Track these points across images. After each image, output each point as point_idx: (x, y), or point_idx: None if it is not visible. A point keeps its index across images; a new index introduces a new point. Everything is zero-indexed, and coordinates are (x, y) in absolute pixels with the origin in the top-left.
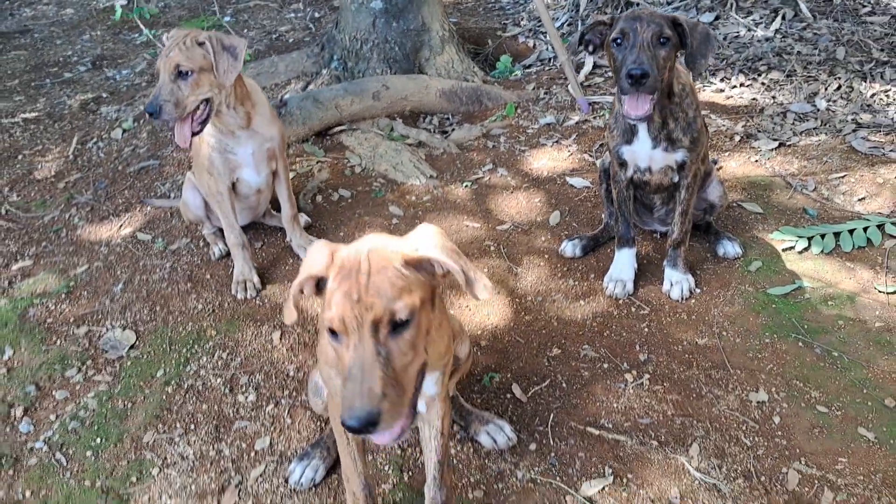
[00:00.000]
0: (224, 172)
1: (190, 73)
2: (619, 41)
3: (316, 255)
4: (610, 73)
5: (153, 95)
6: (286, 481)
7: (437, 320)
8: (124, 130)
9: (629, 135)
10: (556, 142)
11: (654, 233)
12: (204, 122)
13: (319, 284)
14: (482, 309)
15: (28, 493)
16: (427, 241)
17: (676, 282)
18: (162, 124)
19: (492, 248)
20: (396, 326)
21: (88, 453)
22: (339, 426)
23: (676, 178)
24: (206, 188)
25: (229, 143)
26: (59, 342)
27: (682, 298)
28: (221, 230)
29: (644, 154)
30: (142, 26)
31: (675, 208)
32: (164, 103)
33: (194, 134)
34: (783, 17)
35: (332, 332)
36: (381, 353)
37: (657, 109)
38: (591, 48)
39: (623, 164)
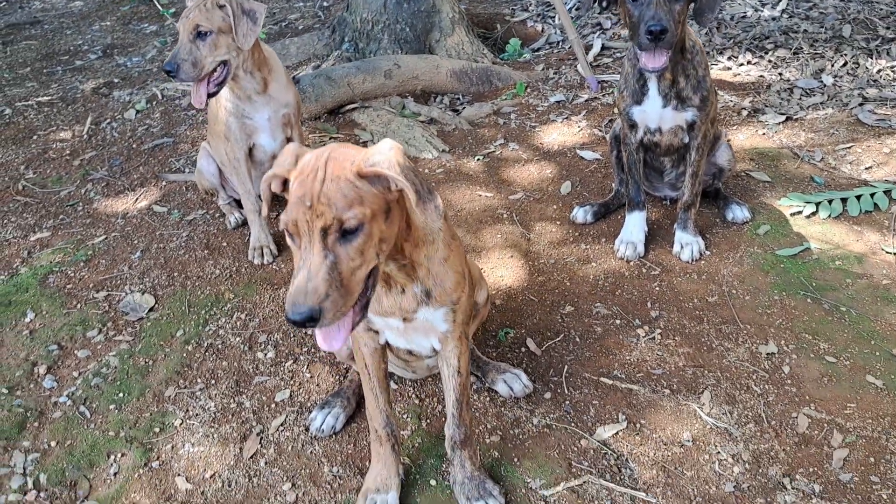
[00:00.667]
0: (241, 138)
1: (209, 33)
2: None
3: (284, 157)
4: (619, 54)
5: (172, 54)
6: (307, 429)
7: (440, 254)
8: (137, 111)
9: (639, 95)
10: (566, 118)
11: (663, 199)
12: (221, 84)
13: (287, 184)
14: (497, 271)
15: (54, 443)
16: (383, 156)
17: (687, 243)
18: (179, 83)
19: (504, 216)
20: (346, 233)
21: (112, 406)
22: (360, 362)
23: (686, 139)
24: (223, 155)
25: (246, 108)
26: (79, 306)
27: (693, 260)
28: (236, 201)
29: (654, 114)
30: (158, 5)
31: (685, 171)
32: (182, 62)
33: (210, 95)
34: None
35: (288, 233)
36: (327, 258)
37: (669, 66)
38: (605, 4)
39: (633, 126)
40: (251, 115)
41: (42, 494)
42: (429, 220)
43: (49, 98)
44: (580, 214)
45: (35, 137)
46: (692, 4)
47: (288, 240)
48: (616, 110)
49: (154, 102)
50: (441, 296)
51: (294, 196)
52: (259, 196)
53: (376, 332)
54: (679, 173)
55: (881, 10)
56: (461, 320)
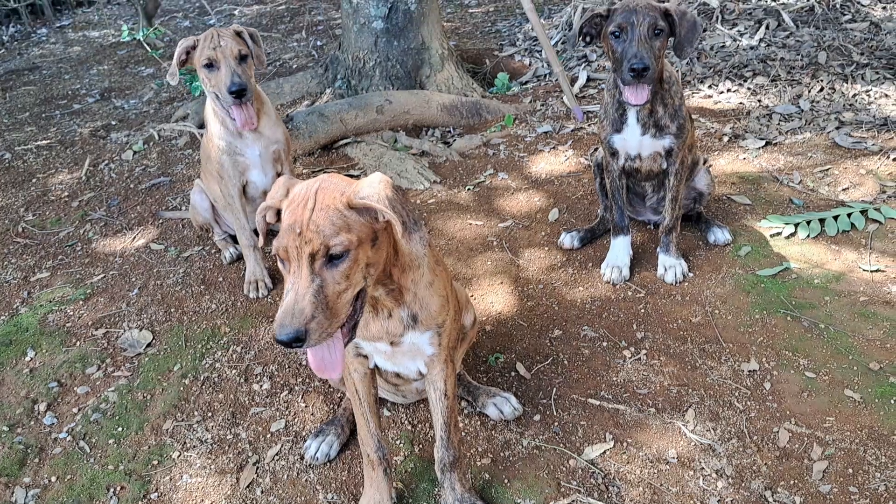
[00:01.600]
0: (234, 175)
1: (247, 57)
2: (617, 34)
3: (277, 189)
4: (603, 85)
5: (230, 78)
6: (302, 458)
7: (425, 279)
8: (135, 152)
9: (619, 124)
10: (553, 148)
11: (647, 223)
12: (251, 104)
13: (280, 214)
14: (487, 297)
15: (54, 479)
16: (372, 189)
17: (670, 266)
18: (242, 102)
19: (494, 244)
20: (332, 258)
21: (111, 441)
22: (350, 388)
23: (665, 165)
24: (217, 193)
25: (238, 145)
26: (78, 343)
27: (676, 282)
28: (231, 236)
29: (634, 141)
30: (147, 48)
31: (665, 196)
32: (246, 82)
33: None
34: (767, 27)
35: (280, 259)
36: (314, 281)
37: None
38: (588, 39)
39: (614, 154)
40: (243, 152)
41: None
42: (414, 248)
43: (48, 141)
44: (567, 240)
45: (34, 180)
46: (671, 39)
47: (279, 265)
48: (598, 138)
49: (151, 143)
50: (427, 319)
51: (285, 224)
52: (254, 230)
53: (365, 357)
54: (660, 198)
55: (855, 36)
56: (446, 344)
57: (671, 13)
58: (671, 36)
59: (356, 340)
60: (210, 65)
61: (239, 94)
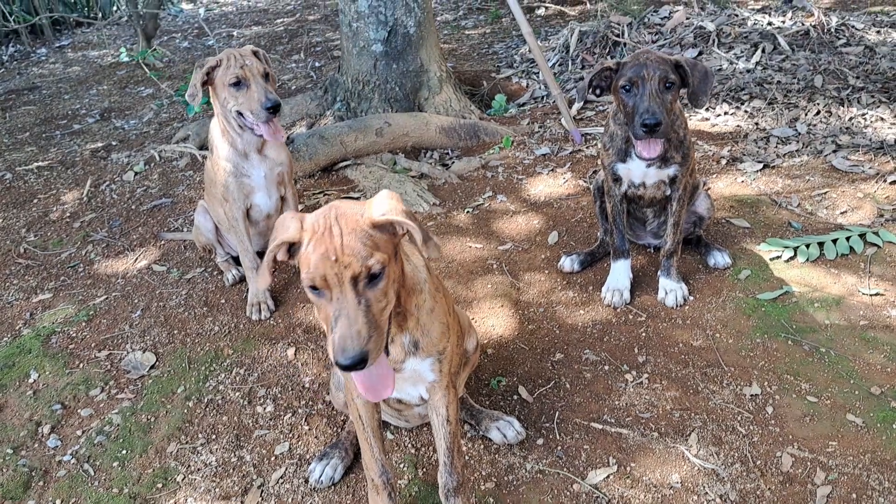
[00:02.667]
0: (239, 197)
1: (268, 76)
2: (627, 88)
3: (287, 224)
4: (601, 107)
5: (264, 96)
6: (306, 481)
7: (427, 305)
8: (136, 173)
9: (623, 154)
10: (552, 170)
11: (647, 247)
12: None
13: (290, 250)
14: (488, 320)
15: (59, 502)
16: (387, 205)
17: (671, 290)
18: (277, 119)
19: (494, 267)
20: (372, 278)
21: (115, 464)
22: (354, 412)
23: (668, 192)
24: (222, 216)
25: (244, 167)
26: (81, 365)
27: (677, 305)
28: (233, 257)
29: (638, 171)
30: (145, 69)
31: (666, 220)
32: (278, 99)
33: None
34: (763, 51)
35: (314, 288)
36: (361, 303)
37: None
38: (598, 92)
39: (617, 180)
40: (249, 173)
41: None
42: (430, 254)
43: (49, 162)
44: (567, 263)
45: (35, 201)
46: (685, 90)
47: (311, 295)
48: (599, 163)
49: (152, 164)
50: (428, 346)
51: (317, 254)
52: (258, 253)
53: None
54: (661, 222)
55: (850, 60)
56: (447, 371)
57: (682, 64)
58: (683, 87)
59: None
60: (238, 83)
61: (275, 109)
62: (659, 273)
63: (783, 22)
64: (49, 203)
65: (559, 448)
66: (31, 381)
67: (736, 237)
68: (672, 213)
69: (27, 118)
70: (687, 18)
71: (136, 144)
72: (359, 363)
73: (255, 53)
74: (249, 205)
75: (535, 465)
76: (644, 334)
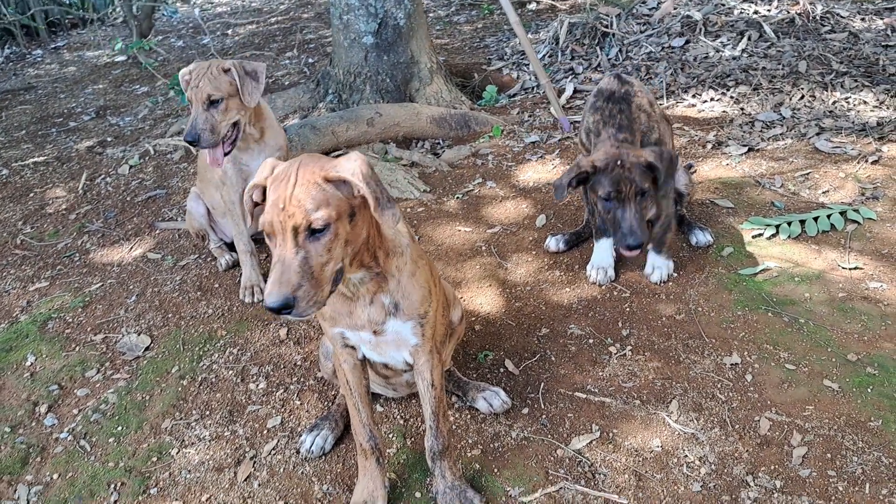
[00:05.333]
0: (237, 182)
1: (220, 100)
2: (606, 198)
3: (263, 168)
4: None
5: (190, 125)
6: (297, 452)
7: (408, 269)
8: (131, 166)
9: None
10: (541, 157)
11: None
12: (234, 143)
13: (265, 193)
14: (476, 299)
15: (55, 476)
16: (349, 164)
17: (658, 266)
18: (201, 150)
19: (483, 249)
20: (314, 232)
21: (111, 440)
22: (342, 378)
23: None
24: (217, 200)
25: (243, 157)
26: (78, 348)
27: (661, 281)
28: (226, 243)
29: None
30: (141, 59)
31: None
32: (202, 132)
33: (225, 154)
34: (749, 39)
35: (266, 234)
36: (298, 253)
37: None
38: (574, 183)
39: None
40: (248, 163)
41: None
42: (385, 224)
43: (45, 158)
44: (553, 243)
45: (32, 195)
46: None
47: (267, 240)
48: (580, 146)
49: (147, 158)
50: (409, 309)
51: (270, 200)
52: (252, 237)
53: (353, 349)
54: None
55: (834, 46)
56: (430, 335)
57: (653, 164)
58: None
59: (342, 331)
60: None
61: (192, 143)
62: (650, 248)
63: (769, 10)
64: (45, 196)
65: (544, 416)
66: (28, 363)
67: (719, 217)
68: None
69: (23, 117)
70: (675, 8)
71: (131, 140)
72: (282, 308)
73: (226, 71)
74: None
75: (520, 433)
76: (628, 309)
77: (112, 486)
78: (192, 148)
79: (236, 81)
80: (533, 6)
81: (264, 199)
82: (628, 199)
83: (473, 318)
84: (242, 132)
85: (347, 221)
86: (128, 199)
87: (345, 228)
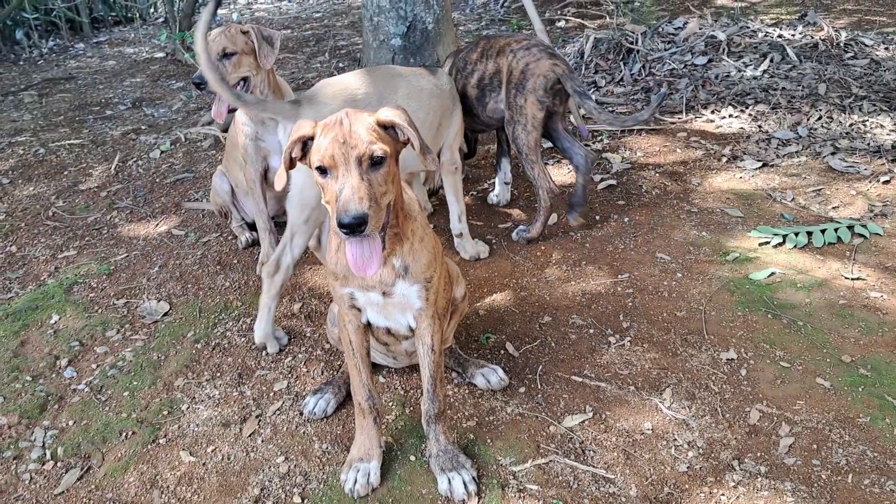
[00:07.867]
0: (257, 160)
1: (234, 54)
2: None
3: (303, 123)
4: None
5: (200, 70)
6: (301, 413)
7: (419, 233)
8: (162, 152)
9: None
10: (557, 161)
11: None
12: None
13: (304, 148)
14: (482, 287)
15: (71, 422)
16: (392, 113)
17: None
18: (206, 93)
19: (493, 242)
20: (374, 164)
21: (125, 393)
22: (345, 339)
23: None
24: (241, 178)
25: (260, 131)
26: (100, 311)
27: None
28: (248, 223)
29: None
30: (183, 50)
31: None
32: (203, 77)
33: (230, 110)
34: (771, 60)
35: (321, 170)
36: (364, 179)
37: None
38: None
39: None
40: (265, 138)
41: (59, 464)
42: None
43: (80, 141)
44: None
45: (66, 173)
46: None
47: (319, 178)
48: None
49: (177, 145)
50: (417, 272)
51: (327, 139)
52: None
53: (359, 311)
54: None
55: (855, 71)
56: (433, 300)
57: None
58: None
59: (352, 291)
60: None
61: (198, 85)
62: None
63: (793, 35)
64: (78, 175)
65: (539, 396)
66: (52, 322)
67: (728, 224)
68: None
69: (62, 104)
70: (700, 28)
71: (163, 129)
72: (359, 223)
73: (244, 33)
74: (266, 167)
75: (515, 409)
76: (630, 304)
77: (123, 434)
78: (198, 89)
79: (253, 42)
80: (562, 24)
81: (302, 157)
82: None
83: (479, 304)
84: (251, 89)
85: (394, 162)
86: (157, 180)
87: (392, 168)
